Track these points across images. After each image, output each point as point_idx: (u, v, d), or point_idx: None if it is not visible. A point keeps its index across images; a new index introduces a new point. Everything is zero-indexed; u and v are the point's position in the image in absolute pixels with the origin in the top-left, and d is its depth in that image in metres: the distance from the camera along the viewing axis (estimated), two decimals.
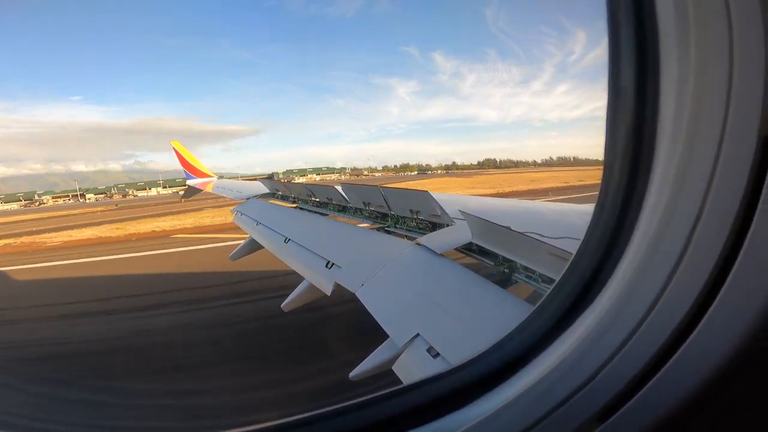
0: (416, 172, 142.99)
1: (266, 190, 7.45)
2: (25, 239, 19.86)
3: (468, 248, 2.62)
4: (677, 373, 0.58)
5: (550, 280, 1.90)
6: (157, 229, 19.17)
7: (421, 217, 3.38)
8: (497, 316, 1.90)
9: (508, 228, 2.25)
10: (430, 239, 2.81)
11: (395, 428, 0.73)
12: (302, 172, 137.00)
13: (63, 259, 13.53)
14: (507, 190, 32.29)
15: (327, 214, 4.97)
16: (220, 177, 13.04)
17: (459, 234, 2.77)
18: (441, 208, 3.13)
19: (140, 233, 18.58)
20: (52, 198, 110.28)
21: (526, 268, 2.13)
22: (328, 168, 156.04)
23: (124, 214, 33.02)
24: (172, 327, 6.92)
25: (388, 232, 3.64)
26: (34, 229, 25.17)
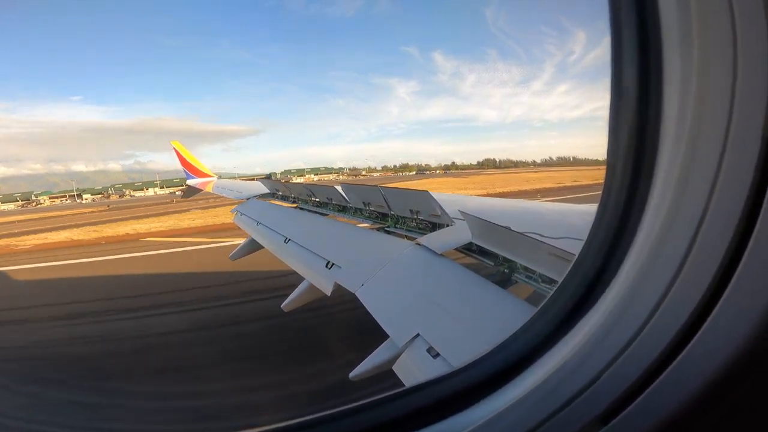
0: (414, 173, 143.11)
1: (266, 190, 7.45)
2: (1, 242, 19.74)
3: (468, 248, 2.62)
4: (681, 375, 0.58)
5: (550, 281, 1.90)
6: (131, 232, 19.07)
7: (421, 217, 3.38)
8: (497, 316, 1.90)
9: (508, 228, 2.25)
10: (430, 239, 2.81)
11: (398, 430, 0.73)
12: (300, 172, 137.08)
13: (26, 263, 13.48)
14: (498, 190, 32.18)
15: (327, 214, 4.97)
16: (220, 177, 13.04)
17: (459, 234, 2.77)
18: (441, 208, 3.13)
19: (112, 236, 18.48)
20: (49, 198, 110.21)
21: (526, 269, 2.13)
22: (326, 168, 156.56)
23: (112, 215, 32.90)
24: (73, 339, 6.70)
25: (388, 232, 3.64)
26: (15, 231, 25.05)
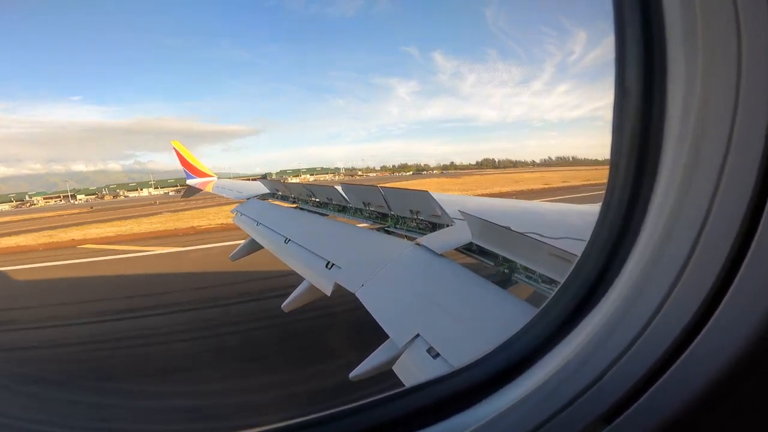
0: (411, 173, 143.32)
1: (266, 190, 7.44)
2: None
3: (468, 248, 2.62)
4: (685, 374, 0.57)
5: (551, 281, 1.91)
6: (76, 238, 18.59)
7: (421, 218, 3.38)
8: (497, 316, 1.90)
9: (508, 228, 2.25)
10: (430, 239, 2.81)
11: (400, 430, 0.72)
12: (296, 173, 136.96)
13: None
14: (480, 192, 31.33)
15: (327, 215, 4.97)
16: (219, 177, 13.04)
17: (459, 234, 2.77)
18: (441, 208, 3.13)
19: (56, 243, 17.96)
20: (44, 199, 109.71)
21: (526, 269, 2.13)
22: (322, 168, 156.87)
23: (86, 218, 32.29)
24: None
25: (388, 233, 3.64)
26: None
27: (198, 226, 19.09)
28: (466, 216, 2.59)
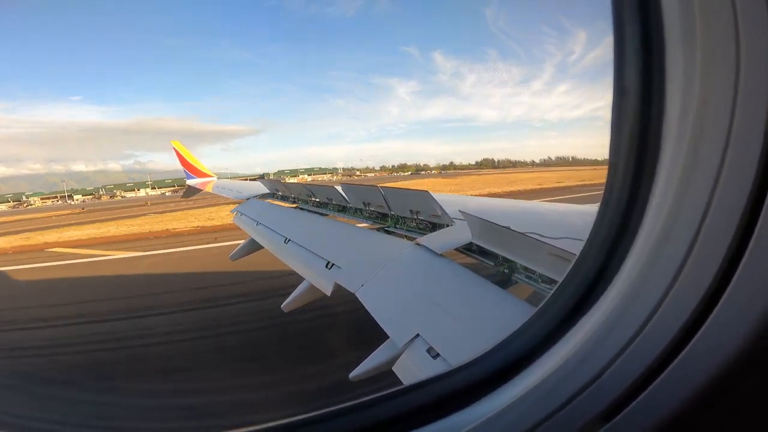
0: (409, 173, 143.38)
1: (266, 190, 7.45)
2: None
3: (468, 248, 2.63)
4: (683, 372, 0.58)
5: (550, 281, 1.91)
6: (50, 241, 18.59)
7: (421, 218, 3.38)
8: (497, 316, 1.90)
9: (508, 228, 2.25)
10: (430, 239, 2.82)
11: (399, 428, 0.73)
12: (294, 173, 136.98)
13: None
14: (470, 192, 31.38)
15: (327, 215, 4.97)
16: (219, 177, 13.04)
17: (459, 234, 2.77)
18: (441, 208, 3.13)
19: (27, 246, 17.90)
20: (41, 199, 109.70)
21: (526, 269, 2.13)
22: (320, 168, 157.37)
23: (72, 219, 32.31)
24: None
25: (388, 233, 3.65)
26: None
27: (173, 229, 19.16)
28: (466, 216, 2.59)
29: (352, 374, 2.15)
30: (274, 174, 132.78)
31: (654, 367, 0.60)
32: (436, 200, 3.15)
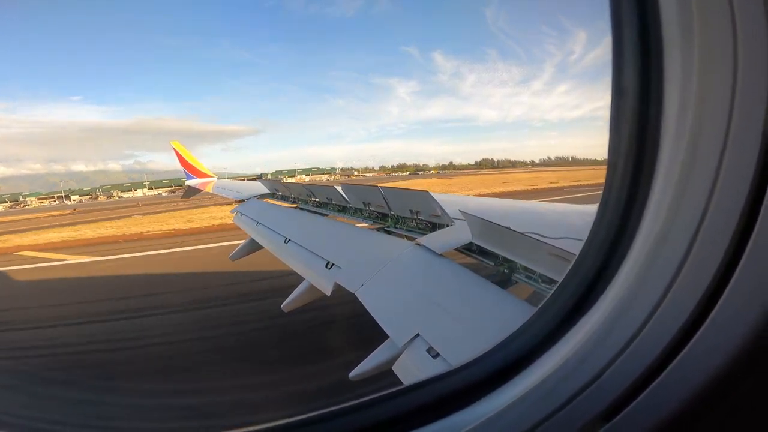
0: (407, 173, 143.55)
1: (266, 191, 7.45)
2: None
3: (468, 248, 2.62)
4: (682, 372, 0.58)
5: (550, 281, 1.91)
6: (23, 244, 18.45)
7: (421, 218, 3.38)
8: (497, 316, 1.90)
9: (508, 228, 2.25)
10: (430, 239, 2.81)
11: (399, 428, 0.73)
12: (291, 173, 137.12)
13: None
14: (471, 192, 30.76)
15: (327, 215, 4.97)
16: (219, 177, 13.04)
17: (459, 234, 2.77)
18: (441, 208, 3.13)
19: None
20: (38, 199, 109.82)
21: (526, 269, 2.13)
22: (317, 168, 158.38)
23: (61, 219, 32.35)
24: None
25: (388, 233, 3.64)
26: None
27: (147, 232, 19.15)
28: (466, 216, 2.59)
29: (351, 374, 2.15)
30: (272, 174, 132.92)
31: (654, 367, 0.60)
32: (436, 200, 3.15)
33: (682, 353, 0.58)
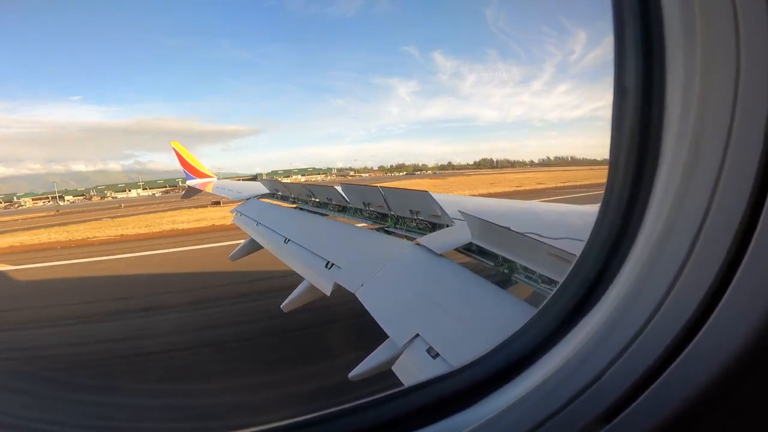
0: (404, 173, 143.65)
1: (266, 191, 7.44)
2: None
3: (468, 248, 2.62)
4: (684, 373, 0.58)
5: (550, 281, 1.91)
6: None
7: (420, 218, 3.38)
8: (497, 316, 1.90)
9: (508, 228, 2.25)
10: (430, 239, 2.81)
11: (399, 429, 0.72)
12: (287, 173, 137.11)
13: None
14: (463, 193, 30.85)
15: (327, 215, 4.97)
16: (219, 177, 13.04)
17: (459, 234, 2.77)
18: (441, 208, 3.13)
19: None
20: (32, 200, 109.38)
21: (525, 269, 2.13)
22: (314, 168, 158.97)
23: (39, 221, 32.18)
24: None
25: (388, 233, 3.64)
26: None
27: (94, 237, 18.98)
28: (466, 216, 2.59)
29: (351, 374, 2.15)
30: (267, 174, 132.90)
31: (655, 367, 0.59)
32: (435, 200, 3.15)
33: (684, 353, 0.57)
